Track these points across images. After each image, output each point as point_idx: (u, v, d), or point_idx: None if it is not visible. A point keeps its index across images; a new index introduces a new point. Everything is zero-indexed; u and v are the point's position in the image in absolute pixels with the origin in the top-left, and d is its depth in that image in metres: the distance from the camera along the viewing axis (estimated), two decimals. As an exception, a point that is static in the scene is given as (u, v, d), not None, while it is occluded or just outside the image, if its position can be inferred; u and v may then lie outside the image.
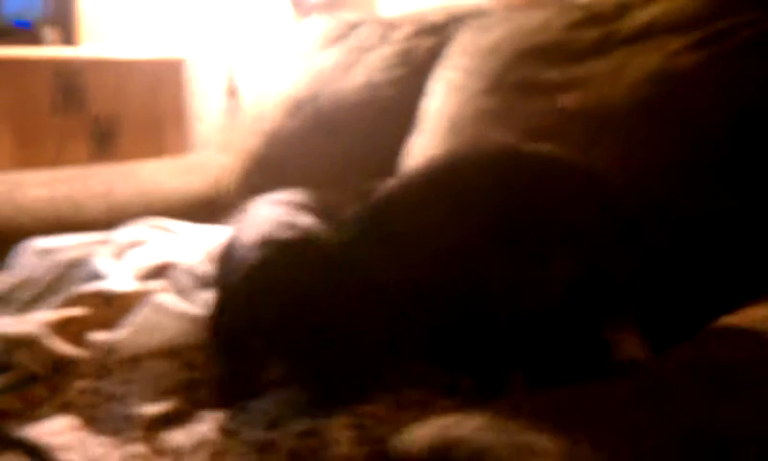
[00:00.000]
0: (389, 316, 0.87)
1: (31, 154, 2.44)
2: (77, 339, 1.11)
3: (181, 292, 1.18)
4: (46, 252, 1.41)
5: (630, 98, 1.25)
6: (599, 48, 1.37)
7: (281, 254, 0.92)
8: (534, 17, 1.53)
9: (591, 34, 1.39)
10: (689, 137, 1.20)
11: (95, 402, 1.02)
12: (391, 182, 1.04)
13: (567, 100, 1.33)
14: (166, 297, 1.15)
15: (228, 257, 1.10)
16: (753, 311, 0.95)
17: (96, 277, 1.22)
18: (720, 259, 1.13)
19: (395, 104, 1.77)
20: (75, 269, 1.27)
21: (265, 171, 1.96)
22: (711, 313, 0.97)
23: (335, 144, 1.81)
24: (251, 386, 0.92)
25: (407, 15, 1.93)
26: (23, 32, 2.56)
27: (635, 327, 0.88)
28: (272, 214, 1.07)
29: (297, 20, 2.43)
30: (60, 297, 1.19)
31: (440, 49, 1.73)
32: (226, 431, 0.87)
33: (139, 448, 0.90)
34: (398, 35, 1.85)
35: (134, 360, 1.06)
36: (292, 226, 0.96)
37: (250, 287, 0.93)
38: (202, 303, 1.13)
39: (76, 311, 1.15)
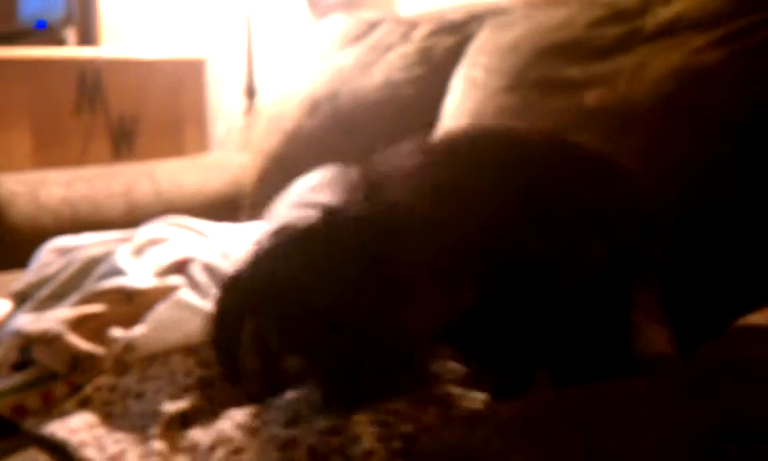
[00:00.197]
0: (411, 308, 0.83)
1: (52, 154, 2.46)
2: (96, 336, 1.11)
3: (201, 289, 1.18)
4: (66, 250, 1.41)
5: (653, 95, 1.24)
6: (622, 45, 1.35)
7: (292, 244, 0.88)
8: (555, 15, 1.51)
9: (614, 31, 1.38)
10: (712, 134, 1.19)
11: (114, 400, 1.02)
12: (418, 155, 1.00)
13: (590, 97, 1.32)
14: (186, 293, 1.15)
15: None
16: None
17: (116, 273, 1.22)
18: (744, 257, 1.12)
19: (414, 103, 1.76)
20: (95, 266, 1.27)
21: (284, 170, 1.96)
22: (735, 311, 0.96)
23: (354, 143, 1.80)
24: (271, 382, 0.91)
25: (426, 14, 1.92)
26: (44, 32, 2.58)
27: (665, 320, 0.86)
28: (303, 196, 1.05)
29: (314, 20, 2.42)
30: (80, 294, 1.19)
31: (460, 47, 1.72)
32: (245, 429, 0.86)
33: (158, 446, 0.90)
34: (418, 33, 1.84)
35: (153, 357, 1.05)
36: (314, 206, 0.92)
37: (250, 275, 0.89)
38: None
39: (96, 308, 1.15)
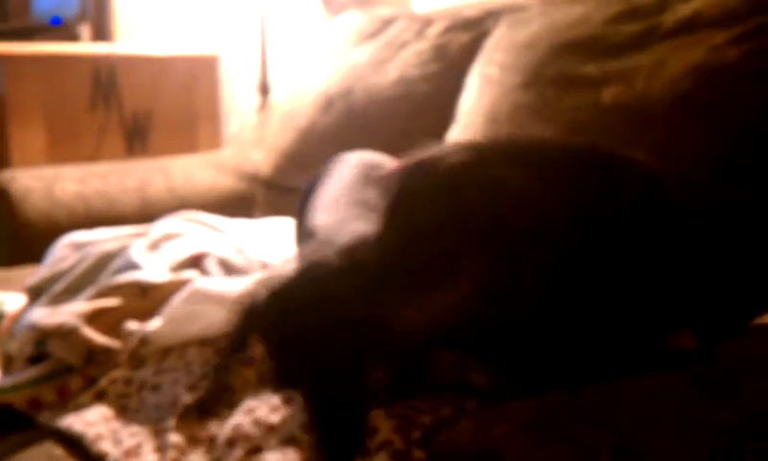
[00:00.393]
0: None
1: (66, 150, 2.46)
2: (112, 329, 1.12)
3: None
4: (81, 245, 1.41)
5: (671, 92, 1.23)
6: (639, 42, 1.34)
7: (302, 279, 0.88)
8: (571, 12, 1.51)
9: (632, 28, 1.37)
10: (731, 131, 1.18)
11: (129, 392, 1.02)
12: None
13: (607, 95, 1.31)
14: (203, 282, 1.15)
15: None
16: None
17: (131, 268, 1.22)
18: (762, 255, 1.11)
19: (429, 99, 1.75)
20: (110, 261, 1.27)
21: (297, 167, 1.96)
22: (754, 310, 0.95)
23: (368, 140, 1.80)
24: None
25: (442, 10, 1.91)
26: (58, 28, 2.58)
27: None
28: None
29: (327, 18, 2.42)
30: (96, 288, 1.19)
31: (475, 44, 1.71)
32: (264, 426, 0.86)
33: (174, 438, 0.90)
34: (433, 30, 1.84)
35: (169, 350, 1.05)
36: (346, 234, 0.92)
37: (270, 304, 0.90)
38: (235, 292, 1.13)
39: (111, 302, 1.15)
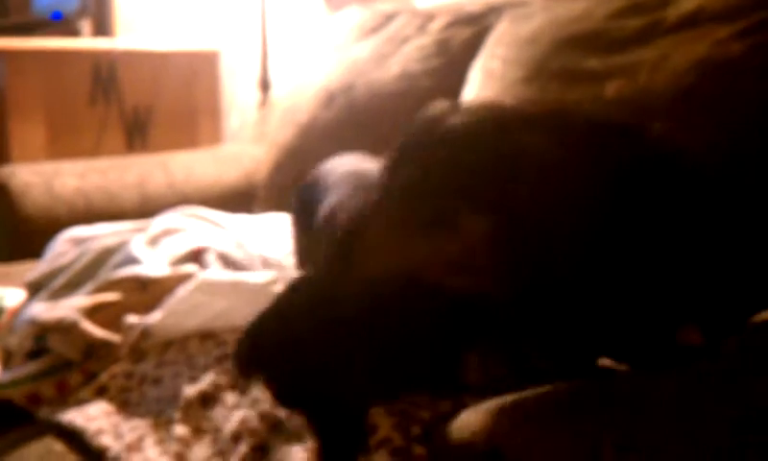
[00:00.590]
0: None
1: (66, 145, 2.45)
2: (112, 324, 1.11)
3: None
4: (81, 240, 1.41)
5: (675, 86, 1.23)
6: (643, 37, 1.34)
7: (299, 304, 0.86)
8: (574, 6, 1.50)
9: (635, 22, 1.36)
10: (734, 126, 1.18)
11: (130, 386, 1.02)
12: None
13: (610, 89, 1.30)
14: (202, 279, 1.14)
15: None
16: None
17: (131, 262, 1.22)
18: (766, 250, 1.10)
19: (431, 94, 1.72)
20: (110, 256, 1.27)
21: (298, 162, 1.95)
22: (758, 305, 0.95)
23: (370, 135, 1.79)
24: None
25: (444, 5, 1.91)
26: (59, 24, 2.58)
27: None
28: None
29: (329, 13, 2.41)
30: (95, 283, 1.19)
31: (477, 39, 1.71)
32: (270, 421, 0.85)
33: (179, 430, 0.89)
34: (435, 25, 1.83)
35: (170, 343, 1.05)
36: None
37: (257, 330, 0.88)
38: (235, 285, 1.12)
39: (111, 296, 1.15)
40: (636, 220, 0.84)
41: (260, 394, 0.88)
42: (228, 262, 1.25)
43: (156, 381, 1.00)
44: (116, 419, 0.97)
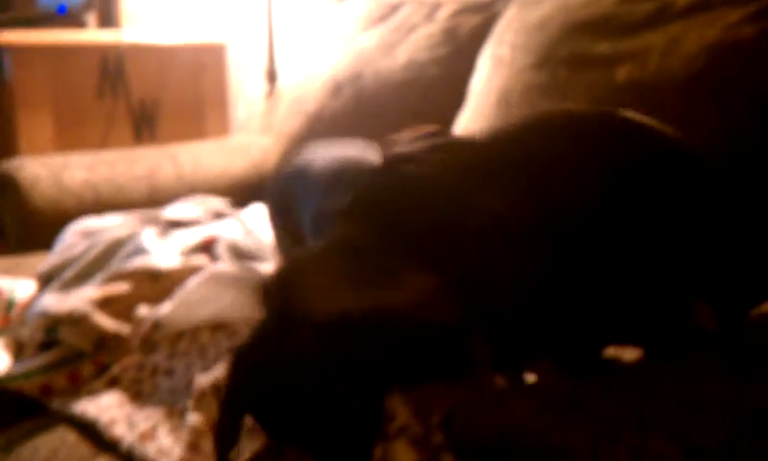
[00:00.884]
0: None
1: (74, 138, 2.45)
2: (123, 315, 1.11)
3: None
4: (91, 231, 1.41)
5: (686, 70, 1.22)
6: (652, 21, 1.33)
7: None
8: (583, -8, 1.49)
9: (645, 6, 1.35)
10: (746, 109, 1.17)
11: (142, 377, 1.02)
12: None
13: (621, 73, 1.29)
14: (212, 271, 1.14)
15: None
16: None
17: (142, 253, 1.22)
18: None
19: (439, 83, 1.74)
20: (120, 247, 1.27)
21: (307, 153, 1.95)
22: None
23: (378, 124, 1.78)
24: None
25: (450, -6, 1.90)
26: (65, 17, 2.57)
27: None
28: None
29: (335, 2, 2.40)
30: (106, 274, 1.19)
31: (485, 27, 1.70)
32: None
33: (193, 419, 0.88)
34: (442, 13, 1.82)
35: (181, 334, 1.04)
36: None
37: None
38: (246, 276, 1.12)
39: (122, 288, 1.15)
40: (645, 213, 0.84)
41: None
42: (239, 252, 1.25)
43: (169, 372, 1.00)
44: (129, 409, 0.96)
